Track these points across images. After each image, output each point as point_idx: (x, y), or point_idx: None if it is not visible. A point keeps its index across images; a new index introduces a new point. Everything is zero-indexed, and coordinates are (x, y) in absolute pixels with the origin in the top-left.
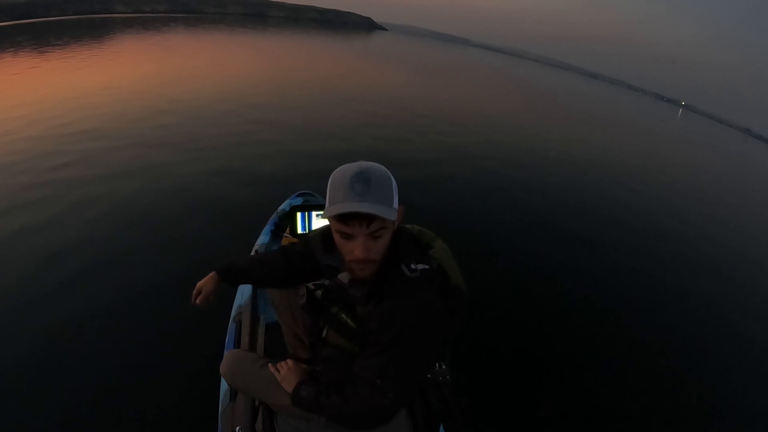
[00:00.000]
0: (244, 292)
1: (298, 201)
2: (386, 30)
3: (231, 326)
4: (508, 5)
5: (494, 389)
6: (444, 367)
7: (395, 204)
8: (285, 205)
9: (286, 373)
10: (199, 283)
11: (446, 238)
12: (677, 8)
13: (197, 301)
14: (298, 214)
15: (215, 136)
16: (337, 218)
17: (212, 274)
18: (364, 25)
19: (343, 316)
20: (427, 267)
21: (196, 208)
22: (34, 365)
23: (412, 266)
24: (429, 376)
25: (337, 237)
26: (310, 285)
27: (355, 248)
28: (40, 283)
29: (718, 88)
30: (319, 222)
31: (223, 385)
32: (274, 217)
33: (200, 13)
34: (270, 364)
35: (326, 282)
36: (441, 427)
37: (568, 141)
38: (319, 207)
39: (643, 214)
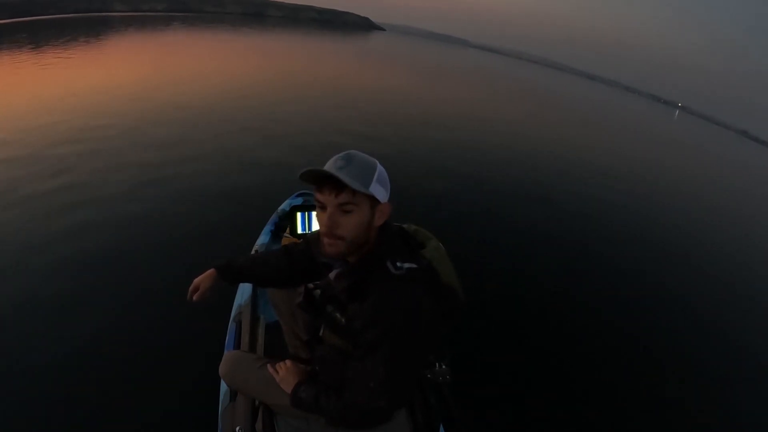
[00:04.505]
0: (244, 291)
1: (298, 201)
2: (384, 30)
3: (231, 326)
4: (508, 7)
5: (494, 389)
6: (444, 367)
7: (373, 188)
8: (285, 205)
9: (284, 374)
10: (197, 280)
11: (444, 238)
12: (678, 13)
13: (194, 298)
14: (298, 214)
15: (215, 136)
16: (315, 188)
17: (211, 271)
18: (362, 25)
19: (338, 315)
20: (414, 266)
21: (195, 208)
22: (34, 365)
23: (398, 264)
24: (429, 376)
25: (317, 211)
26: (310, 285)
27: (325, 219)
28: (39, 283)
29: (715, 91)
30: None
31: (223, 386)
32: (274, 217)
33: (199, 12)
34: (269, 365)
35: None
36: (441, 427)
37: (565, 142)
38: None
39: (641, 216)
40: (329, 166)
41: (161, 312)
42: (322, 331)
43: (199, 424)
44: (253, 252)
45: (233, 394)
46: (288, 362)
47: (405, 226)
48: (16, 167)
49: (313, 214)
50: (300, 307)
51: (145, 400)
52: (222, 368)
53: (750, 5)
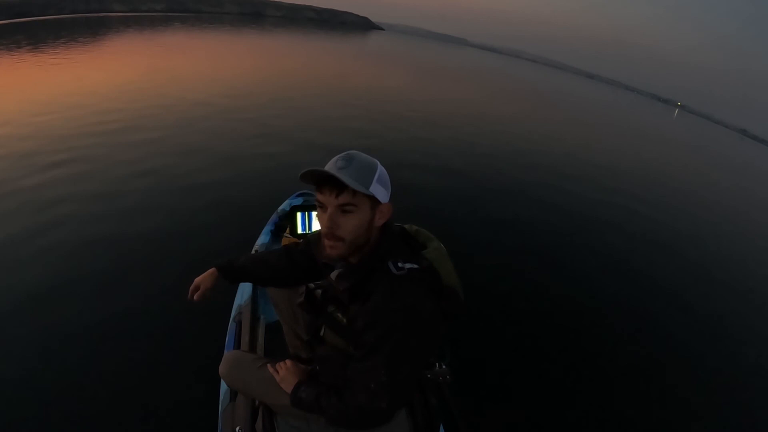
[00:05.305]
0: (244, 291)
1: (298, 201)
2: (383, 30)
3: (231, 326)
4: (506, 6)
5: (494, 389)
6: (444, 367)
7: (374, 189)
8: (285, 205)
9: (284, 374)
10: (197, 279)
11: (445, 239)
12: (677, 11)
13: (194, 297)
14: (298, 214)
15: (215, 136)
16: (316, 188)
17: (212, 270)
18: (361, 25)
19: (339, 315)
20: (416, 266)
21: (195, 209)
22: (35, 365)
23: (399, 264)
24: (429, 376)
25: (318, 211)
26: (311, 284)
27: (325, 220)
28: (39, 283)
29: (715, 90)
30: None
31: (223, 386)
32: (274, 217)
33: (197, 12)
34: (269, 365)
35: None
36: (441, 427)
37: (566, 141)
38: None
39: (641, 216)
40: (329, 167)
41: (161, 311)
42: (323, 332)
43: (199, 424)
44: (253, 252)
45: (233, 394)
46: (288, 362)
47: (406, 226)
48: (15, 167)
49: (313, 214)
50: (301, 307)
51: (145, 400)
52: (222, 368)
53: (749, 4)
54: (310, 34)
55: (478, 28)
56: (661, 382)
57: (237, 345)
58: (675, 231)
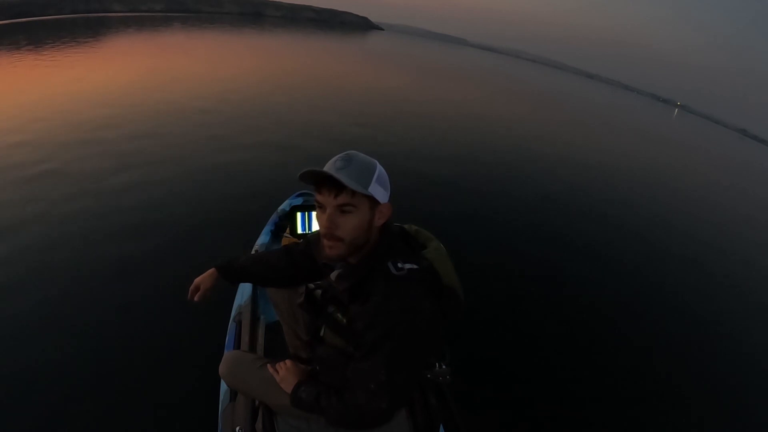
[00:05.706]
0: (244, 291)
1: (298, 201)
2: (383, 30)
3: (231, 326)
4: (506, 5)
5: (494, 389)
6: (444, 367)
7: (373, 189)
8: (285, 205)
9: (284, 374)
10: (197, 279)
11: (445, 239)
12: (679, 12)
13: (195, 298)
14: (298, 214)
15: (215, 137)
16: (315, 188)
17: (211, 270)
18: (360, 25)
19: (339, 315)
20: (415, 266)
21: (195, 209)
22: (35, 365)
23: (399, 264)
24: (429, 376)
25: (317, 212)
26: (311, 285)
27: (324, 220)
28: (39, 283)
29: (715, 90)
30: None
31: (223, 386)
32: (274, 217)
33: (197, 13)
34: (269, 365)
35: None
36: (441, 427)
37: (565, 141)
38: None
39: (641, 216)
40: (329, 167)
41: (161, 312)
42: (323, 332)
43: (199, 424)
44: (253, 252)
45: (233, 394)
46: (288, 362)
47: (406, 226)
48: (15, 166)
49: (313, 214)
50: (301, 307)
51: (145, 400)
52: (222, 368)
53: (750, 4)
54: (309, 34)
55: (478, 28)
56: (662, 383)
57: (237, 345)
58: (674, 231)
